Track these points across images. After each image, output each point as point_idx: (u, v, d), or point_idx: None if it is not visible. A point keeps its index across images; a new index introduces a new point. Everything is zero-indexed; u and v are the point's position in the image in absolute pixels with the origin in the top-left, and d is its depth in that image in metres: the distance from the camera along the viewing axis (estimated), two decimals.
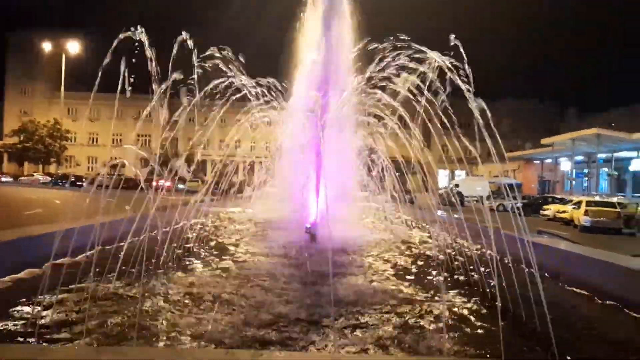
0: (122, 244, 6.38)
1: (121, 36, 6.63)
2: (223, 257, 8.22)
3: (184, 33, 8.10)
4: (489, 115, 6.82)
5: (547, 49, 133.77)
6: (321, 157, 12.06)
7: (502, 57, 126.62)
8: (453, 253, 8.43)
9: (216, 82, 10.26)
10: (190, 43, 8.21)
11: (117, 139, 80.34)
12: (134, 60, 6.59)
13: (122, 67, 6.26)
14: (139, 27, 6.84)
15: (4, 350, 3.31)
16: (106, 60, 6.49)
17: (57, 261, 5.16)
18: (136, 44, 6.72)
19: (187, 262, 7.62)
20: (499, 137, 6.94)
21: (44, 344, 4.04)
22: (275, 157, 18.61)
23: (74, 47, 64.86)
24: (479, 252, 7.91)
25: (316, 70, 13.04)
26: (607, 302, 6.06)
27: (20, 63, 77.48)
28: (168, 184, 10.21)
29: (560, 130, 60.13)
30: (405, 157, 13.39)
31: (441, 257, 8.54)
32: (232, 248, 9.24)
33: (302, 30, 15.08)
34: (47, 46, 67.42)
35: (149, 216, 6.32)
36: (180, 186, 11.55)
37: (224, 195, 15.49)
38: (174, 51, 7.74)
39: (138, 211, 6.80)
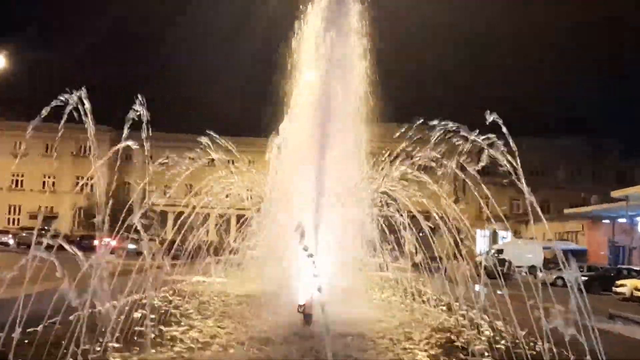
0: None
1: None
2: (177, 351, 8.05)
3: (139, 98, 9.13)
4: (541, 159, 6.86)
5: (617, 73, 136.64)
6: (320, 210, 12.14)
7: (559, 86, 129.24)
8: (495, 344, 8.35)
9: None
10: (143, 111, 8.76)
11: (49, 182, 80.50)
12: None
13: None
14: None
15: None
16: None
17: None
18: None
19: None
20: (555, 188, 6.96)
21: None
22: (258, 210, 18.70)
23: None
24: (529, 343, 7.84)
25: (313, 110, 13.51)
26: None
27: None
28: (114, 243, 10.20)
29: (636, 180, 60.40)
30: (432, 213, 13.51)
31: (478, 347, 8.46)
32: (193, 335, 9.08)
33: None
34: None
35: (88, 287, 6.29)
36: (132, 246, 11.50)
37: (189, 259, 15.45)
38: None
39: (73, 280, 6.76)
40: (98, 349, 6.98)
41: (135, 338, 8.19)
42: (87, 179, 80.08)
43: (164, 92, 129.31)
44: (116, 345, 7.39)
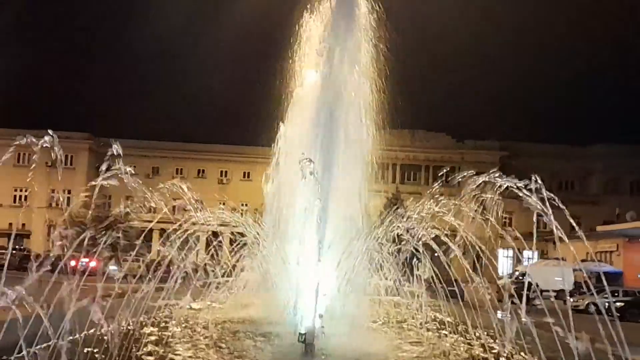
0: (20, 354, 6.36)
1: None
2: None
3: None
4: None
5: None
6: (323, 226, 12.18)
7: (590, 86, 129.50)
8: None
9: None
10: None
11: (20, 196, 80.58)
12: None
13: None
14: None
15: None
16: None
17: None
18: None
19: None
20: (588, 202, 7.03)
21: None
22: (256, 227, 18.71)
23: None
24: None
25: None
26: None
27: None
28: (93, 264, 10.23)
29: None
30: (449, 230, 13.53)
31: None
32: None
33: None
34: None
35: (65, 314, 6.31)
36: (113, 268, 11.55)
37: (177, 282, 15.45)
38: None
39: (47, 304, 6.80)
40: None
41: None
42: (66, 192, 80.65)
43: (150, 99, 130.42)
44: None
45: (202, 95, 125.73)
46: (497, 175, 10.02)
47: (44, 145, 7.65)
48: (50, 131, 7.70)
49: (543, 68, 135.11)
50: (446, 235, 13.66)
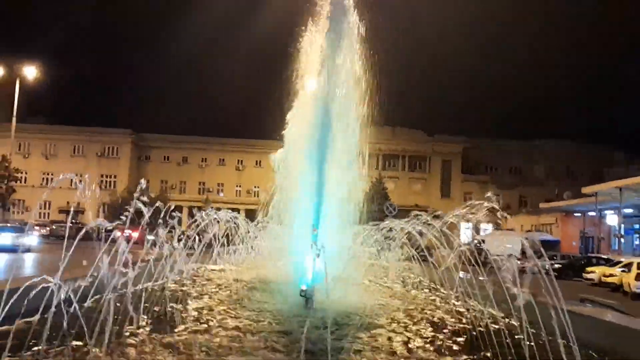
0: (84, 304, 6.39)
1: None
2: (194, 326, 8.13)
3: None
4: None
5: (591, 83, 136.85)
6: (321, 206, 12.19)
7: (537, 90, 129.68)
8: (475, 324, 8.39)
9: None
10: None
11: (76, 180, 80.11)
12: None
13: None
14: None
15: None
16: None
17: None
18: None
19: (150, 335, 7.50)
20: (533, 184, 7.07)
21: None
22: (265, 205, 18.78)
23: (29, 72, 65.87)
24: (506, 322, 7.88)
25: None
26: None
27: None
28: (136, 234, 10.24)
29: (604, 178, 60.42)
30: (421, 207, 13.56)
31: (459, 326, 8.50)
32: (206, 317, 9.12)
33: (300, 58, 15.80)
34: None
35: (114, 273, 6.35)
36: (150, 237, 11.55)
37: (203, 249, 15.49)
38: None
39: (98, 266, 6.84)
40: (131, 327, 7.06)
41: (161, 318, 8.26)
42: (112, 177, 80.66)
43: (180, 99, 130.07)
44: (144, 324, 7.48)
45: (222, 97, 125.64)
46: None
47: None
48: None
49: (500, 72, 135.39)
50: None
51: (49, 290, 5.35)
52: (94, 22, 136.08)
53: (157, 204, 9.58)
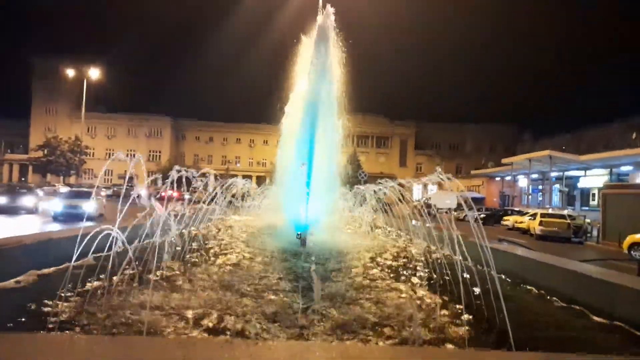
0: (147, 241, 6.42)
1: None
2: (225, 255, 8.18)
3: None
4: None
5: (506, 79, 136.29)
6: (311, 174, 12.12)
7: (467, 85, 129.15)
8: (424, 258, 8.48)
9: None
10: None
11: (130, 154, 79.63)
12: None
13: None
14: None
15: (23, 339, 3.29)
16: None
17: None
18: None
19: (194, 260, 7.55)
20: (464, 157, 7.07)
21: (64, 332, 4.00)
22: (271, 174, 18.72)
23: (94, 72, 64.63)
24: (447, 256, 7.96)
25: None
26: (555, 300, 6.15)
27: (45, 86, 77.20)
28: (176, 194, 10.20)
29: (517, 152, 60.97)
30: (385, 174, 13.54)
31: (410, 255, 8.59)
32: (230, 251, 9.17)
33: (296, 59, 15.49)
34: (69, 71, 67.08)
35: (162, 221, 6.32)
36: (187, 196, 11.54)
37: (225, 206, 15.48)
38: None
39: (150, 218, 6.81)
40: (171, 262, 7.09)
41: (190, 255, 8.27)
42: (157, 152, 79.88)
43: (207, 92, 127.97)
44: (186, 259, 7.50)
45: (239, 91, 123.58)
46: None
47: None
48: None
49: (441, 64, 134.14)
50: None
51: (111, 236, 5.31)
52: (142, 32, 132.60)
53: (192, 172, 9.52)
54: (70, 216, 18.53)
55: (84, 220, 15.49)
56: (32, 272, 5.61)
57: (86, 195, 21.52)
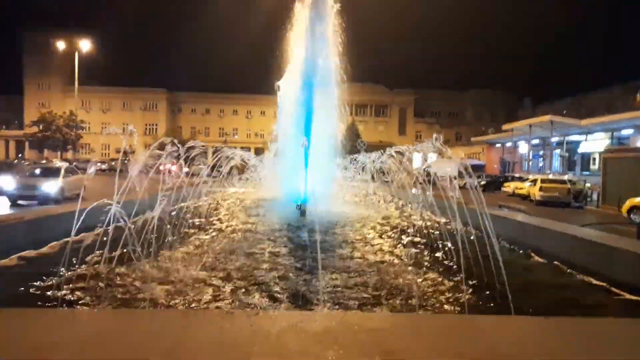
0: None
1: None
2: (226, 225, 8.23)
3: None
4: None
5: (505, 46, 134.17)
6: (310, 143, 12.04)
7: (466, 53, 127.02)
8: (425, 225, 8.52)
9: None
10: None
11: (126, 128, 79.21)
12: None
13: None
14: None
15: (29, 314, 3.33)
16: None
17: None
18: None
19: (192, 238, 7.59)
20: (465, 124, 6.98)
21: (67, 307, 4.06)
22: (268, 144, 18.58)
23: (86, 45, 63.42)
24: (447, 223, 8.00)
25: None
26: (556, 263, 6.21)
27: (36, 60, 76.01)
28: (174, 168, 10.15)
29: (518, 118, 60.52)
30: (384, 143, 13.46)
31: (414, 224, 8.64)
32: (230, 221, 9.22)
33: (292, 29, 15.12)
34: (60, 44, 65.77)
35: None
36: (185, 170, 11.50)
37: (223, 178, 15.46)
38: None
39: (151, 191, 6.81)
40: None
41: (189, 228, 8.30)
42: (154, 125, 79.38)
43: (202, 64, 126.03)
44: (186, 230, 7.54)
45: (235, 61, 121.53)
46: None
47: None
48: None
49: (440, 31, 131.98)
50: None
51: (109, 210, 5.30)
52: (136, 6, 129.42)
53: (189, 144, 9.44)
54: (27, 198, 15.85)
55: (37, 202, 14.62)
56: None
57: (52, 173, 17.90)
